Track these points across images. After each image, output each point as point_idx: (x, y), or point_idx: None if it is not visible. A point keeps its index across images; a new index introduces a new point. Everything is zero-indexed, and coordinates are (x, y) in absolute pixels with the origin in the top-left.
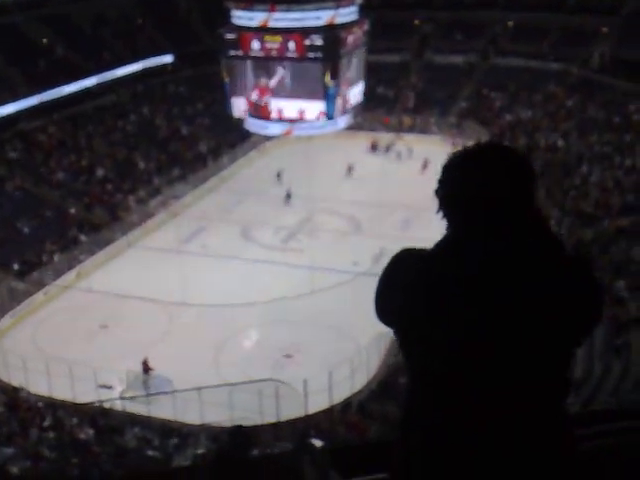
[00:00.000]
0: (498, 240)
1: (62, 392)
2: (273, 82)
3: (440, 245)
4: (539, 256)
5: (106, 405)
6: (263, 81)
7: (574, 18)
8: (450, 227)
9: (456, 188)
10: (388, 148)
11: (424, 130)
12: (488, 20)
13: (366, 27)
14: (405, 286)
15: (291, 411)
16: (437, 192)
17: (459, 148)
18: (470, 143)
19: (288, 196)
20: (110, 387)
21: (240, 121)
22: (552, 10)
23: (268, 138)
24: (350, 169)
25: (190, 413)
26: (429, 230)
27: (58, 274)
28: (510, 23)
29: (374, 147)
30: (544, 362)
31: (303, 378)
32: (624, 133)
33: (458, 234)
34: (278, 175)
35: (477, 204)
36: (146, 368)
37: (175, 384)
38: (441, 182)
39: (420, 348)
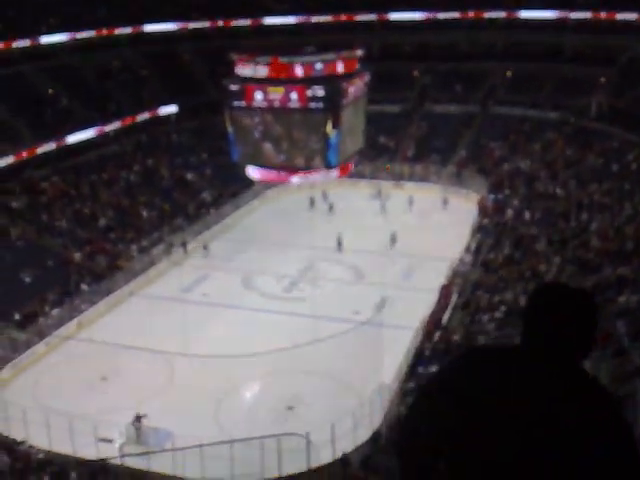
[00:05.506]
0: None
1: (62, 445)
2: (274, 131)
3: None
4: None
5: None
6: (265, 130)
7: (571, 68)
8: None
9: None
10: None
11: (424, 179)
12: (486, 71)
13: (367, 78)
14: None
15: (293, 465)
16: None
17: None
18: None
19: (339, 244)
20: (110, 440)
21: (243, 169)
22: (549, 60)
23: (269, 186)
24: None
25: (190, 468)
26: (430, 279)
27: (59, 324)
28: (508, 73)
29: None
30: None
31: (305, 431)
32: (623, 181)
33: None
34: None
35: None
36: (138, 421)
37: (176, 436)
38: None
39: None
